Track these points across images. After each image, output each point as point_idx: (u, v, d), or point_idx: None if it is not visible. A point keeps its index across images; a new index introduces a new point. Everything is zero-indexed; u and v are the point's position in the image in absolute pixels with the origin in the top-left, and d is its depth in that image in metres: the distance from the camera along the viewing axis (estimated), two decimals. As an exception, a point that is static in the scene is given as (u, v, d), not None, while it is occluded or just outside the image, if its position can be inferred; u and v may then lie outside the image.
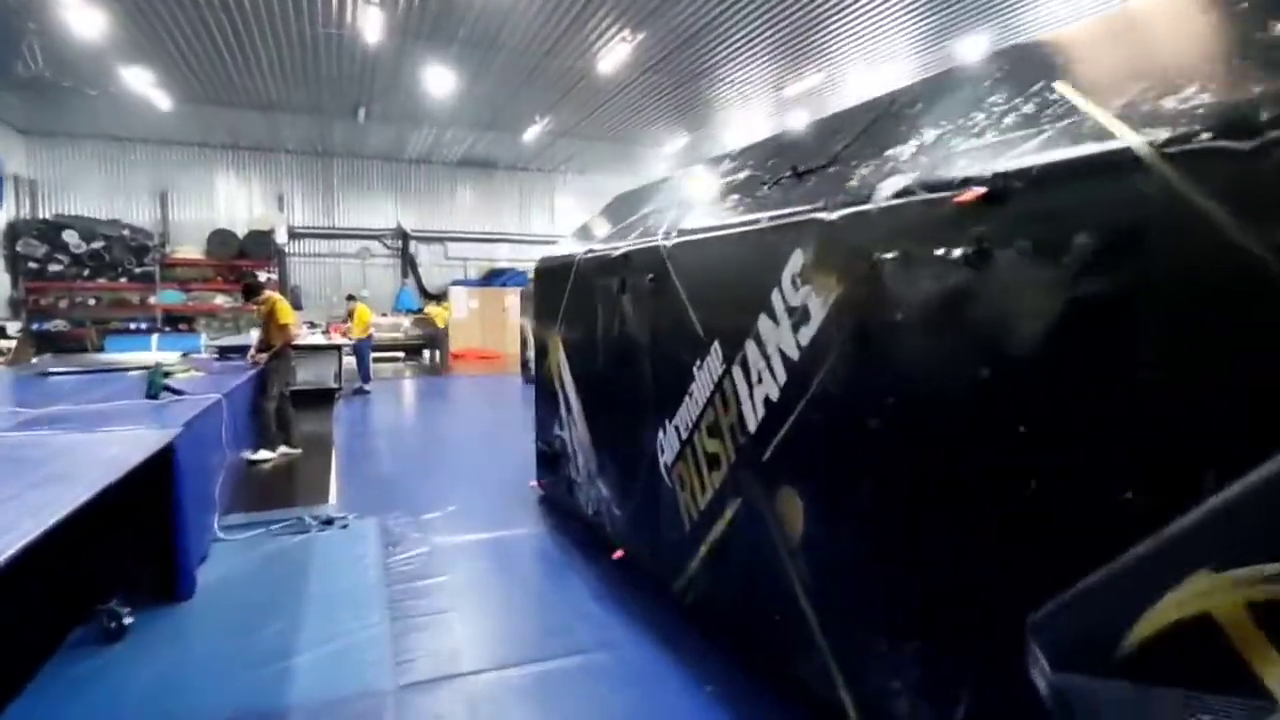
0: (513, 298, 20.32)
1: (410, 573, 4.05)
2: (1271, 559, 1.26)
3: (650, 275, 3.81)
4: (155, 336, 15.42)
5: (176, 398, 4.66)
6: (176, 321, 17.07)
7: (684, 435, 3.34)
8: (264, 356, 6.58)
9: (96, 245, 16.06)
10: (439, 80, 13.03)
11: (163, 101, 13.55)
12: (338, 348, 10.58)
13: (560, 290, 5.19)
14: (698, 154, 19.67)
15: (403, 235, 18.83)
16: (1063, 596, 1.61)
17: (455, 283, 20.48)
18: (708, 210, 3.57)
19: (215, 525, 4.35)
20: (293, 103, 14.71)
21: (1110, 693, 1.51)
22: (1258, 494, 1.28)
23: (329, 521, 4.89)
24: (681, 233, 3.49)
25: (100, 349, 14.95)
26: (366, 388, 11.21)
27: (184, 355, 7.52)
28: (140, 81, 12.32)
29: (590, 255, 4.68)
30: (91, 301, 16.31)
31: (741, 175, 3.66)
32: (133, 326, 16.29)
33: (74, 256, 15.82)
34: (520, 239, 22.28)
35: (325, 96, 14.33)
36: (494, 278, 20.63)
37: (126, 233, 16.62)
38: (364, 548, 4.44)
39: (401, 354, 18.24)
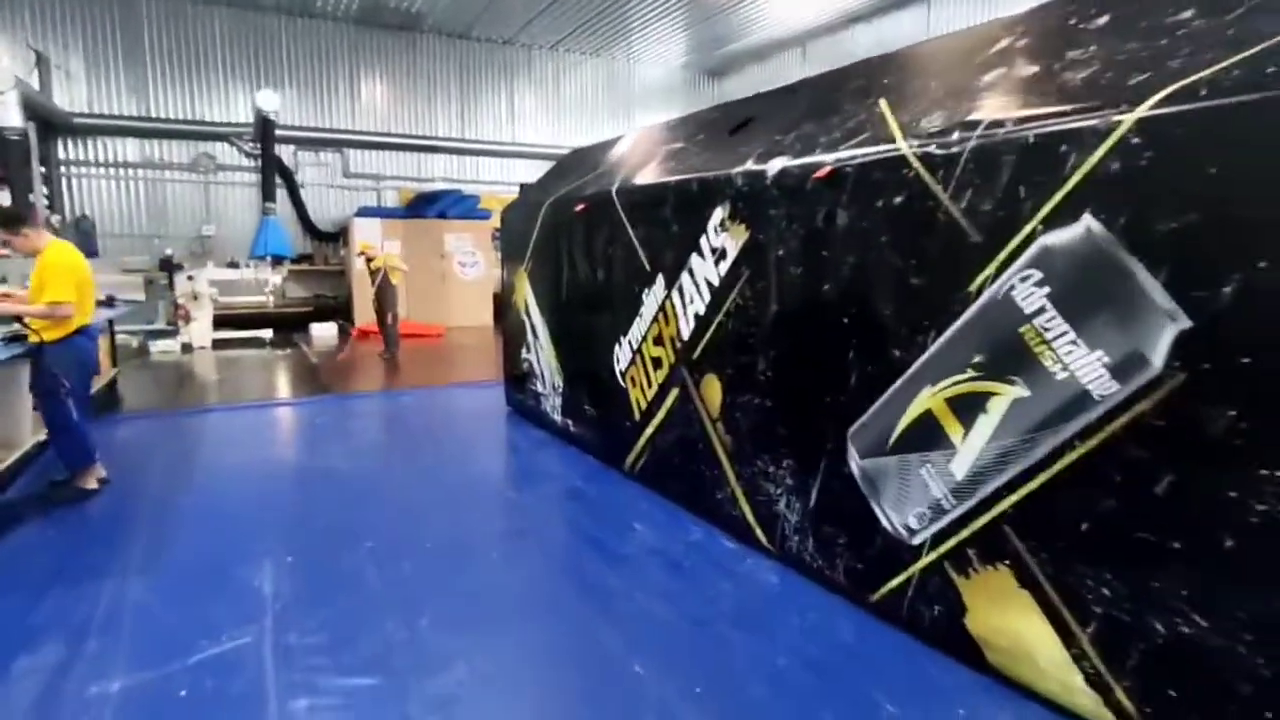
0: (458, 237, 12.90)
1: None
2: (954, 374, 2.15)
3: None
4: None
5: None
6: None
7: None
8: None
9: None
10: None
11: None
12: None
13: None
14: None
15: (263, 127, 10.98)
16: (865, 416, 2.57)
17: (363, 212, 12.80)
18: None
19: None
20: None
21: (887, 464, 2.50)
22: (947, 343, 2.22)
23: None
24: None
25: None
26: (91, 481, 3.94)
27: None
28: None
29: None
30: None
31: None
32: None
33: None
34: (465, 147, 14.60)
35: None
36: (424, 205, 13.04)
37: None
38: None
39: (267, 333, 10.67)
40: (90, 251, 11.66)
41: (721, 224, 3.30)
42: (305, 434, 5.63)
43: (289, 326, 11.76)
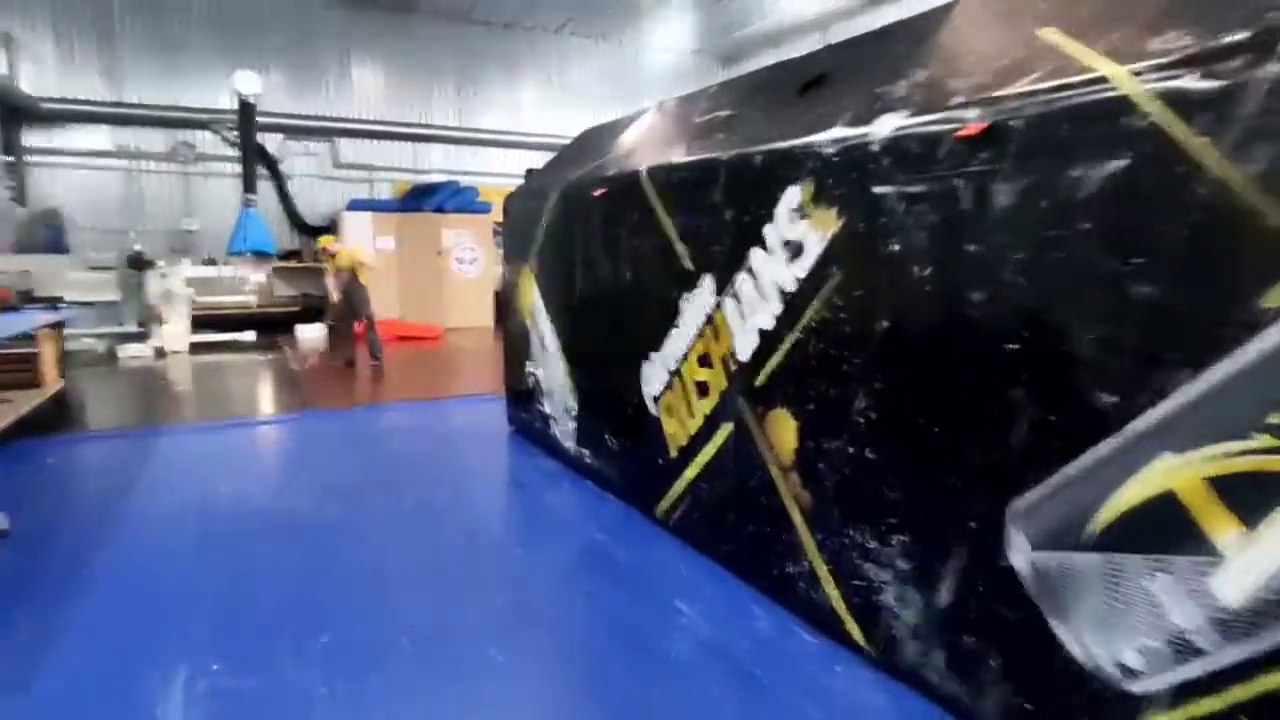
0: (456, 232, 12.08)
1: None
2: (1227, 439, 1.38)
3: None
4: None
5: None
6: None
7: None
8: None
9: None
10: None
11: None
12: None
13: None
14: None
15: (243, 112, 10.12)
16: (1042, 487, 1.73)
17: (354, 205, 11.96)
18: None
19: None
20: None
21: (1083, 563, 1.66)
22: (1213, 389, 1.41)
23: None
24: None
25: None
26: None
27: None
28: None
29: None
30: None
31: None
32: None
33: None
34: (463, 136, 13.73)
35: None
36: (420, 198, 12.19)
37: None
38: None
39: (250, 335, 9.84)
40: (60, 248, 10.86)
41: (799, 209, 2.45)
42: (271, 463, 4.80)
43: (274, 328, 10.92)
